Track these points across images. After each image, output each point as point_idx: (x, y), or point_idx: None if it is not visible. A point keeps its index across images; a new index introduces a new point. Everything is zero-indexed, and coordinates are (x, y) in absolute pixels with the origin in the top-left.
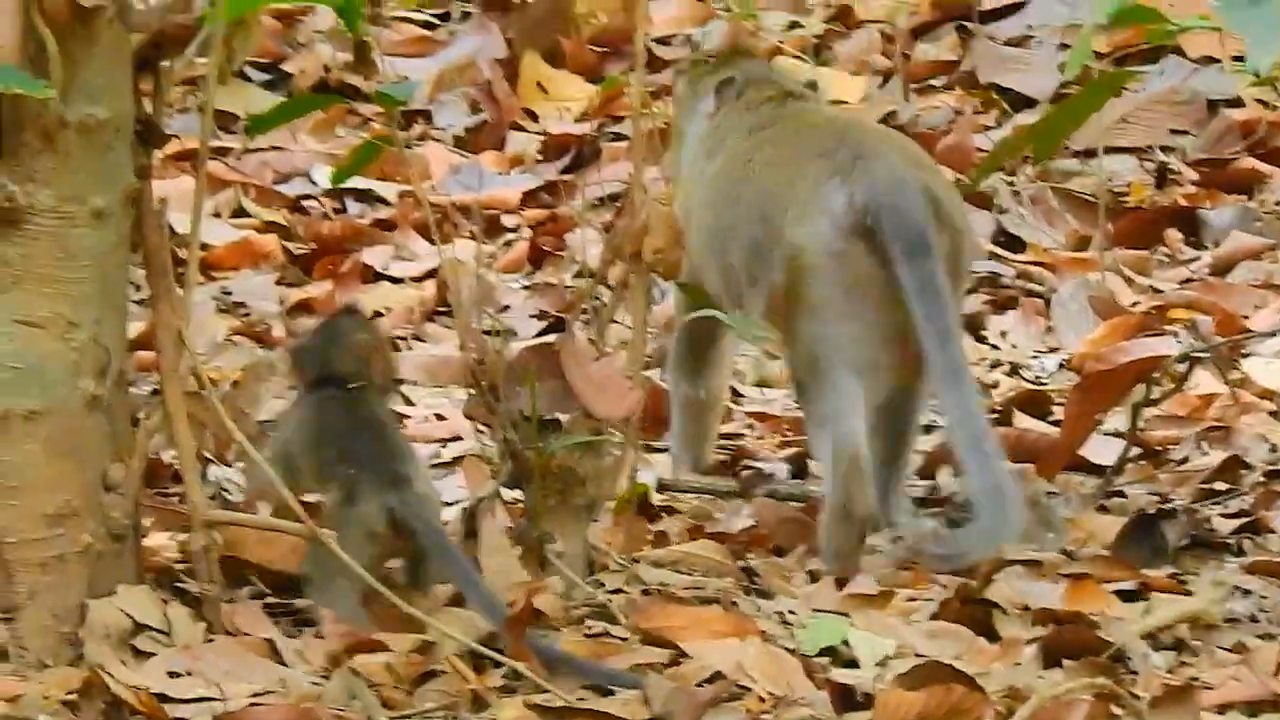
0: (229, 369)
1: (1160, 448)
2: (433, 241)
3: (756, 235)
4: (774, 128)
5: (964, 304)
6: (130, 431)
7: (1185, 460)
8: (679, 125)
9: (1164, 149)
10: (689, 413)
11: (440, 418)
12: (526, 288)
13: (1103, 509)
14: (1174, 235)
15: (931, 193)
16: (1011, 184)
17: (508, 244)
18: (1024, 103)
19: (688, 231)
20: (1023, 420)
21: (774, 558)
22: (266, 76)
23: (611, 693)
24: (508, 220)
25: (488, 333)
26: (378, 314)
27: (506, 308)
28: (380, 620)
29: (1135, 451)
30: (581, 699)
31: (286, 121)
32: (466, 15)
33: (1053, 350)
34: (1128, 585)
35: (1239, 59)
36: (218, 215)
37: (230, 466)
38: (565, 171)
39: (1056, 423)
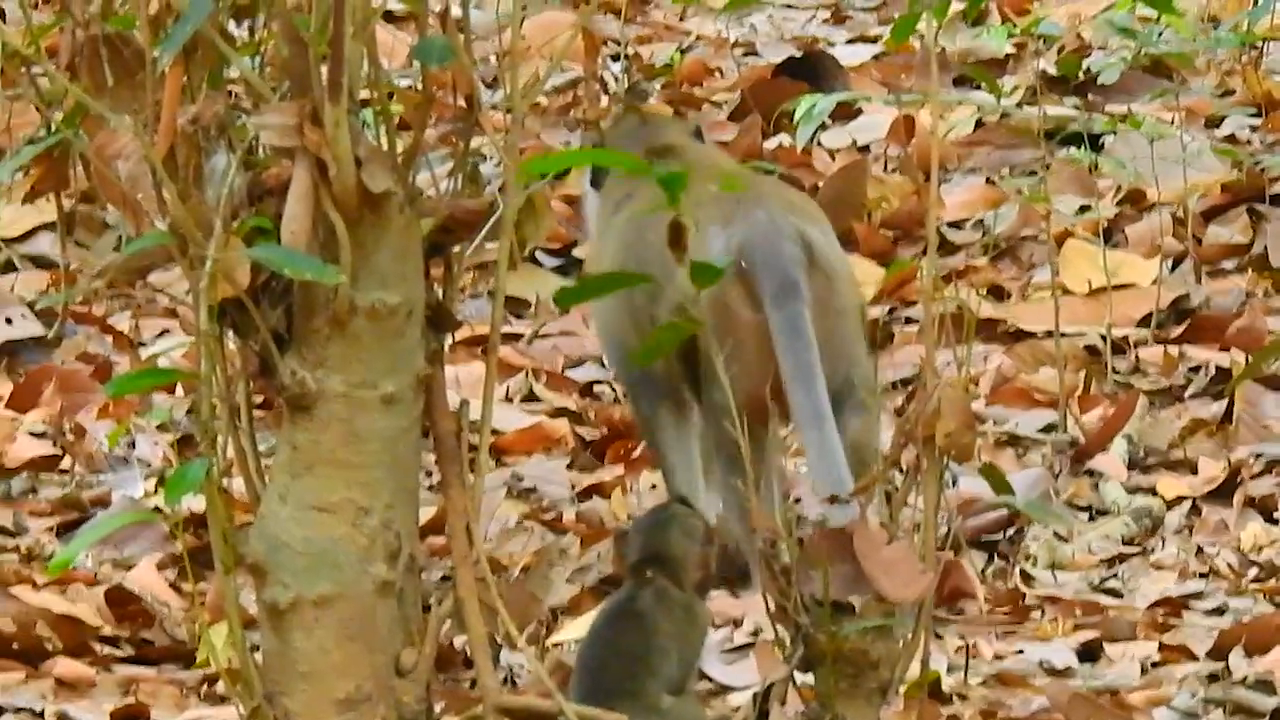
0: (520, 554)
1: None
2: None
3: (652, 286)
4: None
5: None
6: (421, 616)
7: None
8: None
9: None
10: None
11: (735, 596)
12: None
13: None
14: None
15: (806, 238)
16: None
17: None
18: None
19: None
20: None
21: None
22: (558, 261)
23: None
24: None
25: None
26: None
27: (799, 500)
28: None
29: None
30: None
31: (595, 296)
32: None
33: None
34: None
35: None
36: (509, 400)
37: (520, 652)
38: None
39: None
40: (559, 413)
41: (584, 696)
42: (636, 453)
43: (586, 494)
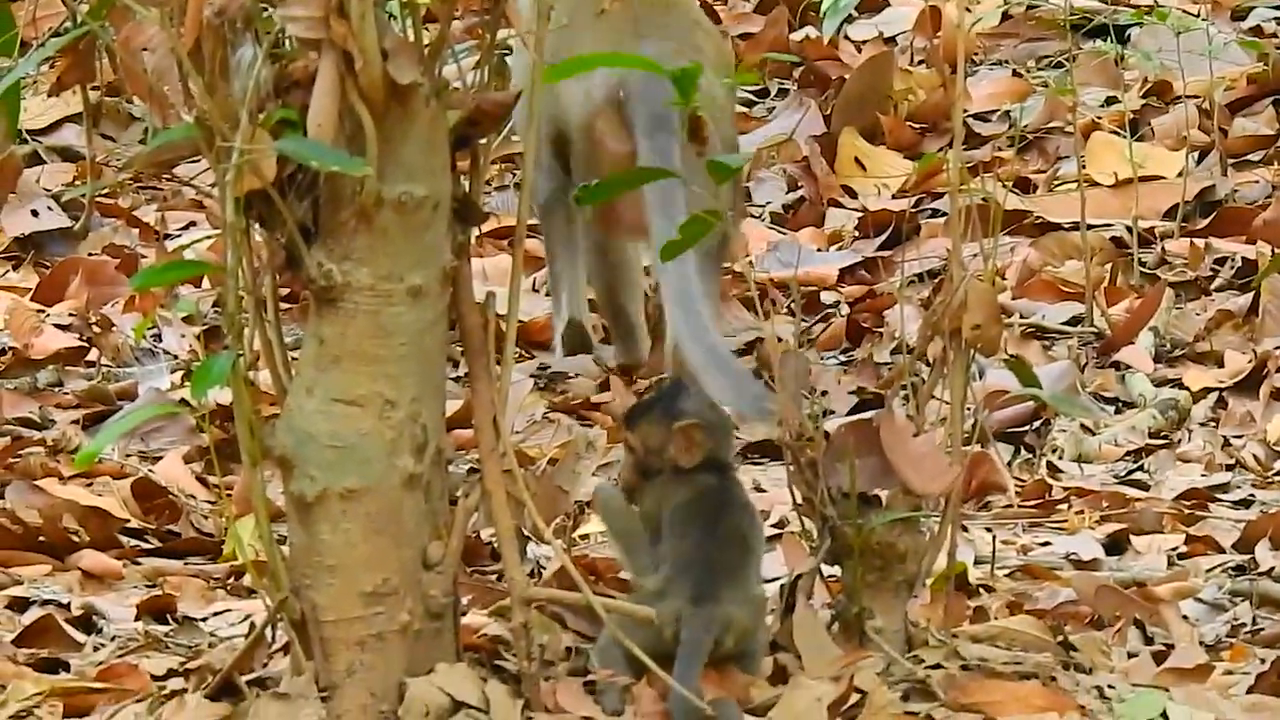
0: (547, 447)
1: None
2: (757, 314)
3: (550, 108)
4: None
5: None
6: (448, 509)
7: None
8: None
9: None
10: None
11: (760, 490)
12: (844, 364)
13: None
14: None
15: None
16: None
17: (826, 320)
18: None
19: None
20: None
21: (1092, 632)
22: None
23: None
24: (826, 297)
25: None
26: None
27: (825, 392)
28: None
29: None
30: None
31: (616, 195)
32: (784, 92)
33: None
34: None
35: None
36: (536, 291)
37: (548, 544)
38: (883, 248)
39: None
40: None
41: (689, 575)
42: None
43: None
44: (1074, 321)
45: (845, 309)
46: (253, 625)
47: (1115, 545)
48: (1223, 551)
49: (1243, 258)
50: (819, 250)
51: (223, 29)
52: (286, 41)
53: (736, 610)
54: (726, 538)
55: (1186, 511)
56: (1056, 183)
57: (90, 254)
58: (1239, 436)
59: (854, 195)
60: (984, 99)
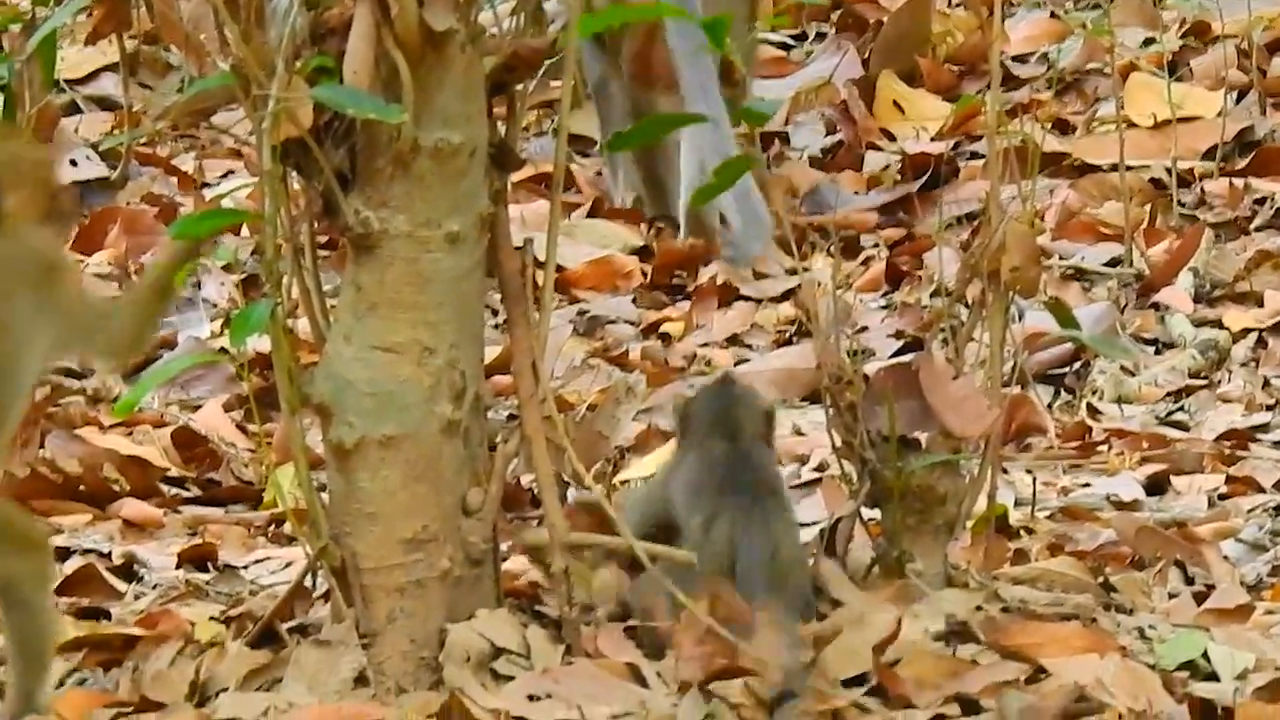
0: (587, 392)
1: None
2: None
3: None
4: None
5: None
6: (488, 456)
7: None
8: None
9: None
10: None
11: (800, 434)
12: (884, 307)
13: None
14: None
15: None
16: None
17: (865, 264)
18: None
19: None
20: None
21: (1133, 572)
22: None
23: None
24: (865, 240)
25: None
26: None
27: (864, 328)
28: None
29: None
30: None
31: (649, 140)
32: (822, 36)
33: None
34: None
35: None
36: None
37: (588, 490)
38: (922, 190)
39: None
40: (625, 248)
41: (734, 491)
42: (704, 286)
43: (653, 330)
44: (1113, 263)
45: (884, 252)
46: (294, 573)
47: (1156, 486)
48: (1263, 491)
49: None
50: (858, 193)
51: None
52: None
53: (779, 523)
54: (759, 464)
55: (1227, 452)
56: (1095, 124)
57: (129, 203)
58: (1279, 376)
59: (892, 138)
60: (1022, 41)
